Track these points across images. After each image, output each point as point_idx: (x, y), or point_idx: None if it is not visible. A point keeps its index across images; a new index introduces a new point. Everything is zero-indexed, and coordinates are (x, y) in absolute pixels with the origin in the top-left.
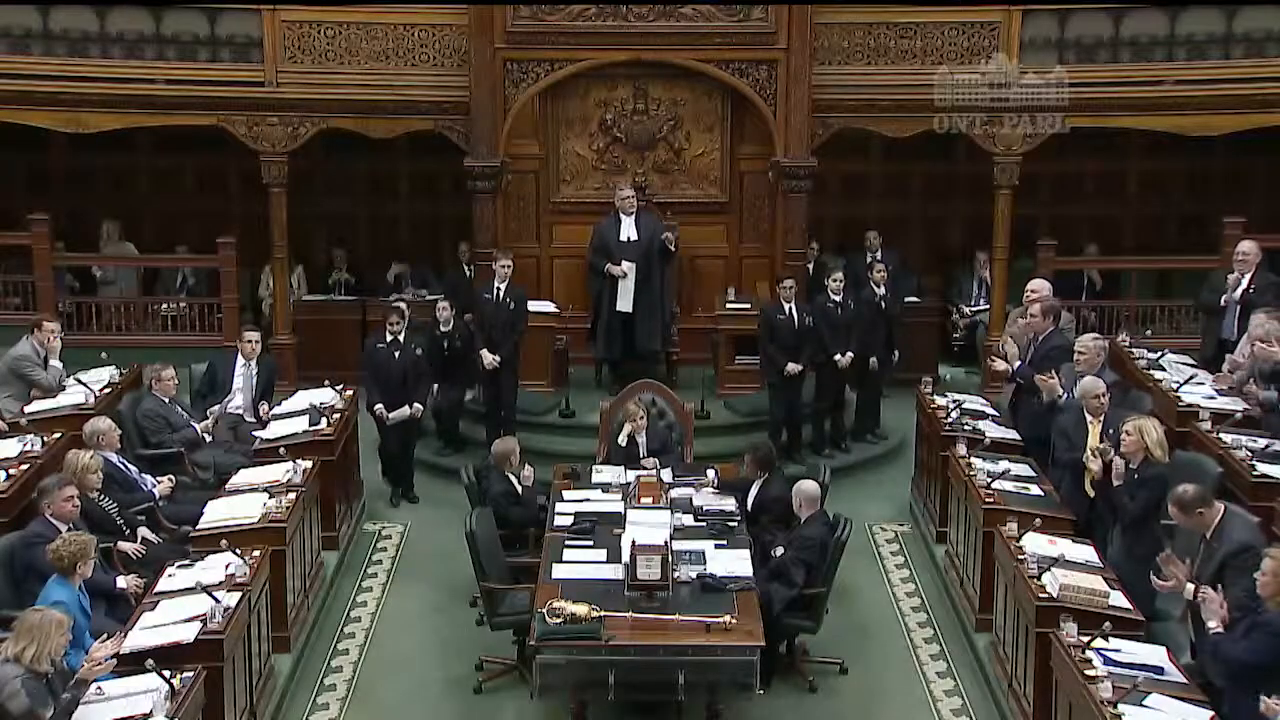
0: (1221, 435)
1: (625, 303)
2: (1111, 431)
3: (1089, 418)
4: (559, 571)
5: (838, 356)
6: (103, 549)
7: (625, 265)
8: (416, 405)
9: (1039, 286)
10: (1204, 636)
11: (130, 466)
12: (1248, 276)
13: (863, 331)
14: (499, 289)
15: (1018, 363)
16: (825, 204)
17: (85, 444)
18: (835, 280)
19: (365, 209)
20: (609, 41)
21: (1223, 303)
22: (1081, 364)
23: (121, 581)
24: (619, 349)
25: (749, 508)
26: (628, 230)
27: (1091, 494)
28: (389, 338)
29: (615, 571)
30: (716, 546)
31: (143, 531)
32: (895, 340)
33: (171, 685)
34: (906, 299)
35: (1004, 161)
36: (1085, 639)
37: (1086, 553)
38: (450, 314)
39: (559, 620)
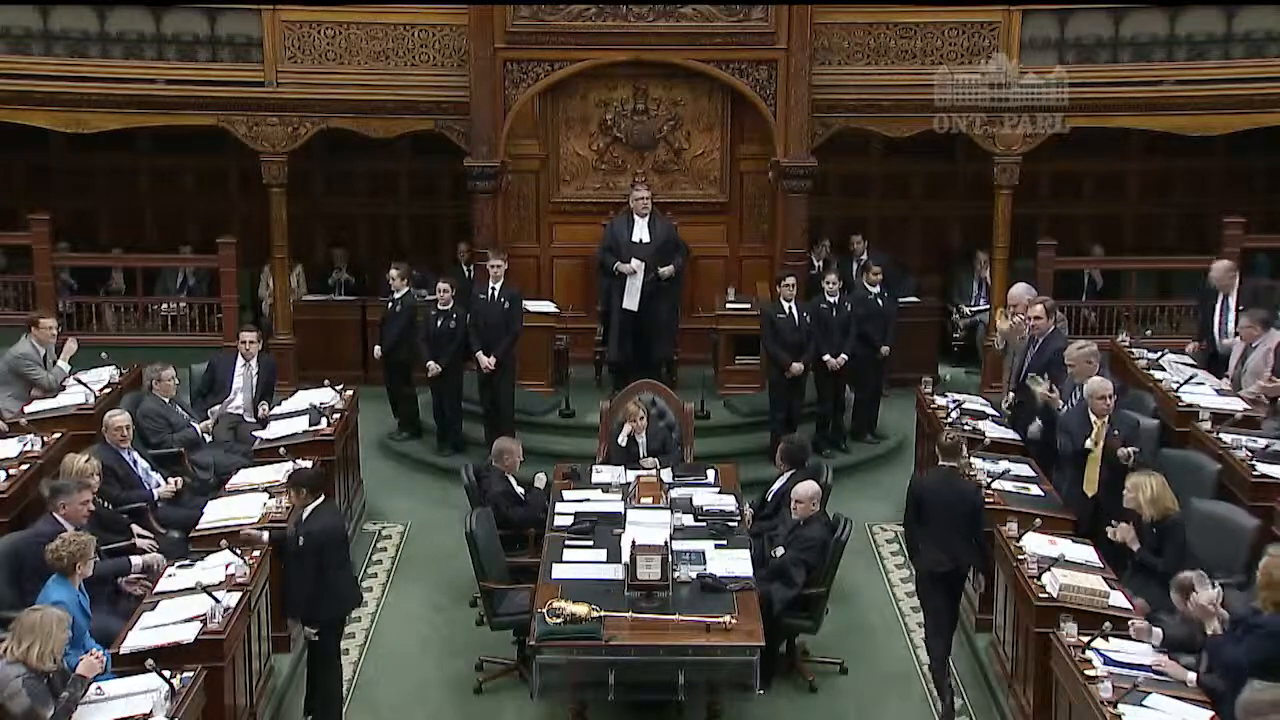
0: (1221, 435)
1: (632, 302)
2: (1116, 433)
3: (1093, 417)
4: (559, 571)
5: (828, 358)
6: (114, 548)
7: (635, 263)
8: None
9: (1017, 296)
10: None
11: (138, 463)
12: (1232, 296)
13: (857, 333)
14: (494, 289)
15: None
16: (825, 204)
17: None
18: (830, 282)
19: (365, 209)
20: (609, 41)
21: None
22: (1074, 374)
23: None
24: (629, 350)
25: (767, 500)
26: (640, 232)
27: (1090, 493)
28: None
29: (615, 571)
30: (716, 546)
31: (135, 531)
32: (890, 339)
33: (171, 685)
34: (904, 299)
35: (1004, 161)
36: (1085, 639)
37: (1086, 553)
38: (450, 295)
39: (559, 620)
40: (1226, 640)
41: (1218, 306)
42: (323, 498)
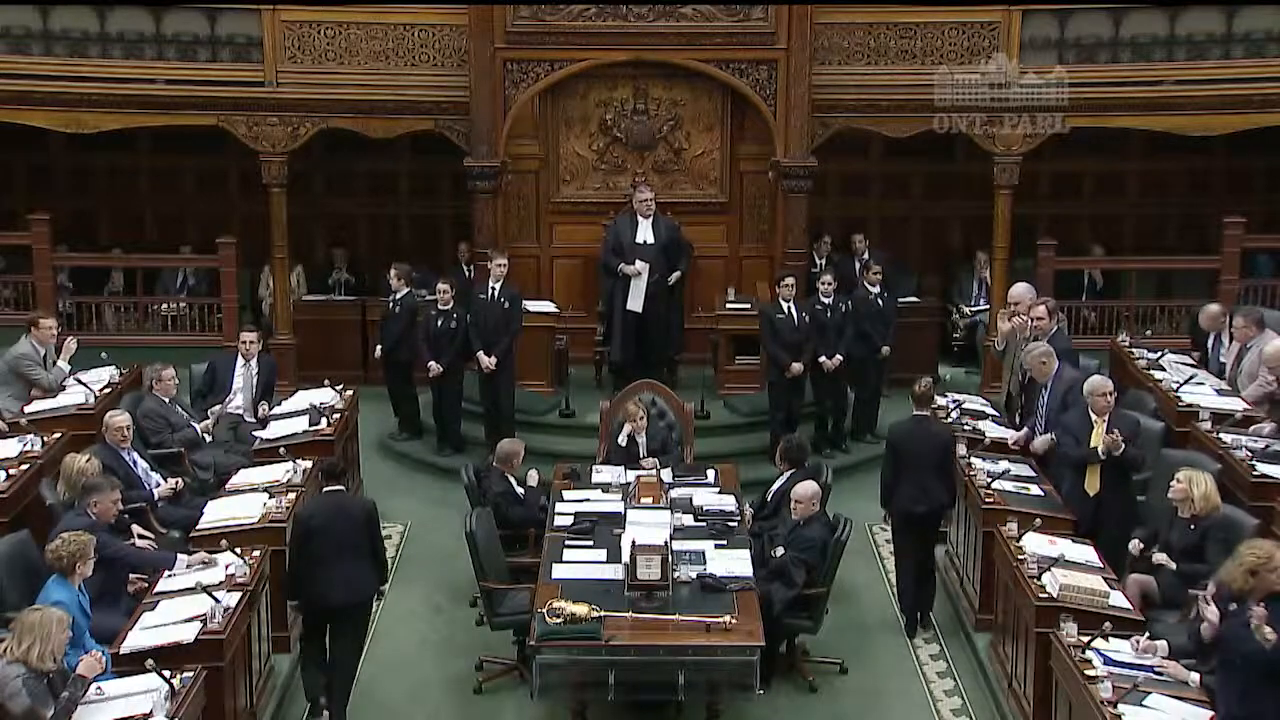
0: (1221, 435)
1: (636, 303)
2: (1118, 432)
3: (1093, 416)
4: (559, 571)
5: (823, 359)
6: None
7: (639, 265)
8: None
9: (1019, 295)
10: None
11: (138, 463)
12: (1225, 333)
13: (856, 333)
14: (494, 288)
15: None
16: (825, 204)
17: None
18: (825, 283)
19: (365, 209)
20: (609, 41)
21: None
22: (1033, 375)
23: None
24: (633, 351)
25: (767, 500)
26: (644, 233)
27: (1092, 492)
28: None
29: (615, 571)
30: (716, 546)
31: (136, 530)
32: (890, 339)
33: (171, 685)
34: (904, 299)
35: (1004, 161)
36: (1085, 639)
37: (1086, 553)
38: (450, 295)
39: (559, 620)
40: (1239, 627)
41: (1210, 343)
42: (335, 487)
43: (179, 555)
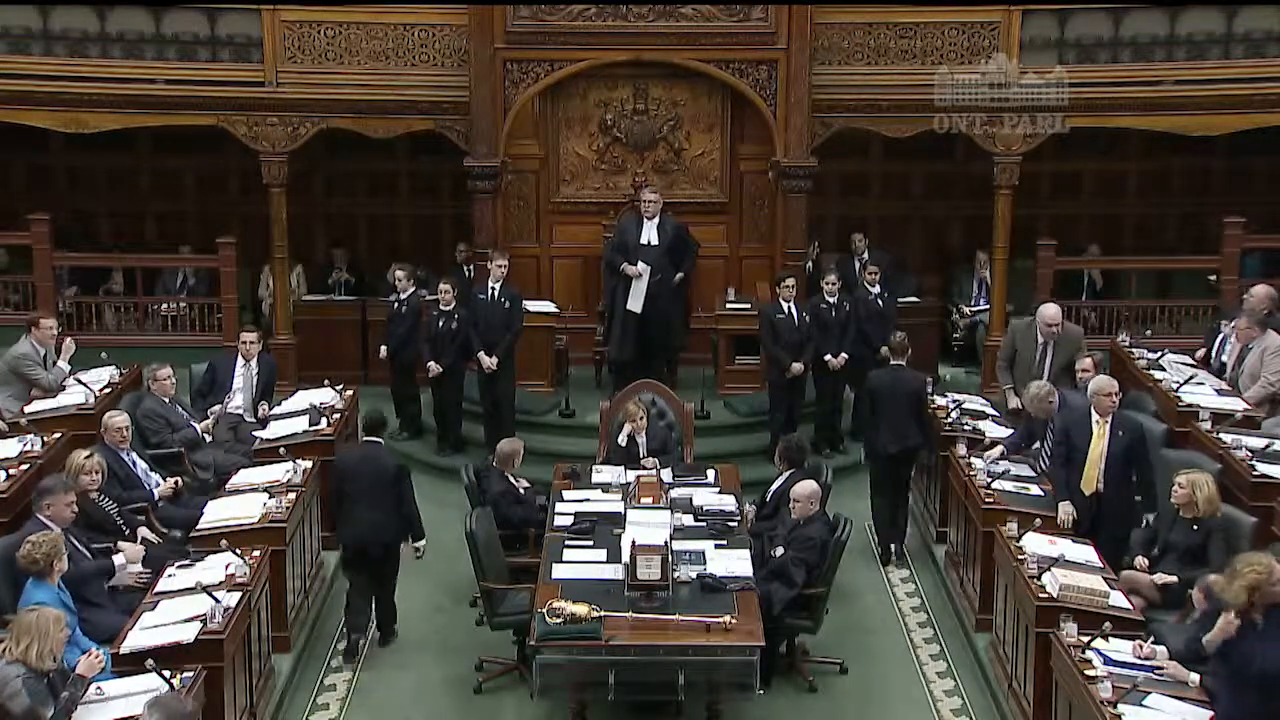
0: (1221, 435)
1: (636, 304)
2: (1120, 433)
3: (1096, 416)
4: (559, 571)
5: (828, 358)
6: (103, 547)
7: (641, 266)
8: None
9: (1053, 316)
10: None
11: (138, 464)
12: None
13: (856, 333)
14: (494, 289)
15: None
16: (825, 204)
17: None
18: (829, 283)
19: (365, 209)
20: (609, 41)
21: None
22: (1036, 414)
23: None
24: (631, 350)
25: (767, 499)
26: (648, 234)
27: (1088, 491)
28: None
29: (615, 571)
30: (716, 546)
31: (143, 532)
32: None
33: (171, 685)
34: (904, 299)
35: (1004, 161)
36: (1085, 639)
37: (1086, 553)
38: (452, 296)
39: (559, 620)
40: (1252, 642)
41: (1218, 340)
42: (371, 439)
43: (114, 559)
